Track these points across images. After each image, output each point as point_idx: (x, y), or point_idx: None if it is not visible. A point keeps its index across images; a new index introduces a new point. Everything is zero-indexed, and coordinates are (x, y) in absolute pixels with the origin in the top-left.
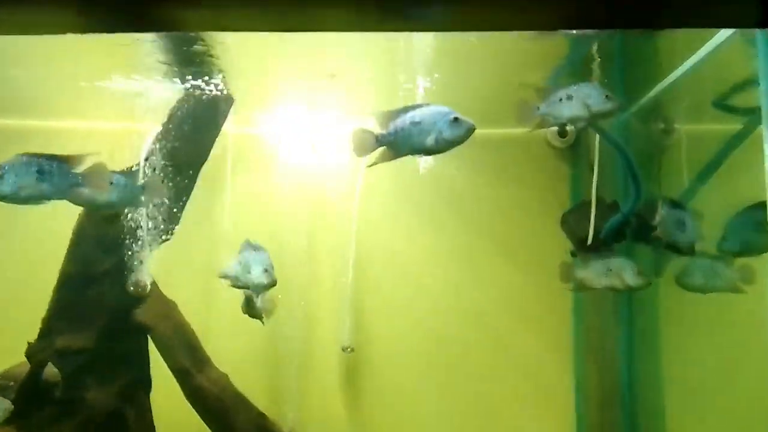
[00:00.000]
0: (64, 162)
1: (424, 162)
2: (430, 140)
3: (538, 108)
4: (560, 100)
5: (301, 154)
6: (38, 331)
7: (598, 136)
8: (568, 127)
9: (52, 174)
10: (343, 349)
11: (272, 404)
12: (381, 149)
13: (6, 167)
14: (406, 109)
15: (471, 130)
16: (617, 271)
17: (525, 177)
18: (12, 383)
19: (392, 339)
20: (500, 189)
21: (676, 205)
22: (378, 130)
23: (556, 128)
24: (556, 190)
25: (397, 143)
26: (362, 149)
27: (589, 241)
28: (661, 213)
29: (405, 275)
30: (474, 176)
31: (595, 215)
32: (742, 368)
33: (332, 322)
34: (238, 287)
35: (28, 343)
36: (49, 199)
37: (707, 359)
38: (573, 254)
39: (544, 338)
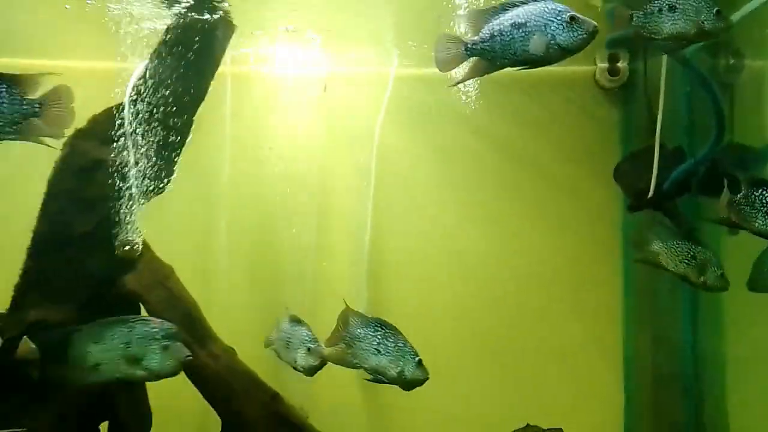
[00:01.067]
0: (15, 85)
1: (454, 106)
2: (538, 47)
3: (632, 17)
4: (660, 10)
5: (311, 95)
6: (10, 301)
7: (663, 69)
8: (621, 64)
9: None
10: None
11: (281, 379)
12: (472, 61)
13: None
14: (504, 7)
15: (593, 34)
16: (701, 264)
17: (569, 122)
18: None
19: (415, 307)
20: (541, 136)
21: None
22: (468, 36)
23: (606, 65)
24: (605, 137)
25: (494, 52)
26: (447, 62)
27: (651, 194)
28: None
29: (431, 235)
30: (510, 122)
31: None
32: None
33: (347, 287)
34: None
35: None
36: None
37: None
38: (630, 209)
39: (588, 306)
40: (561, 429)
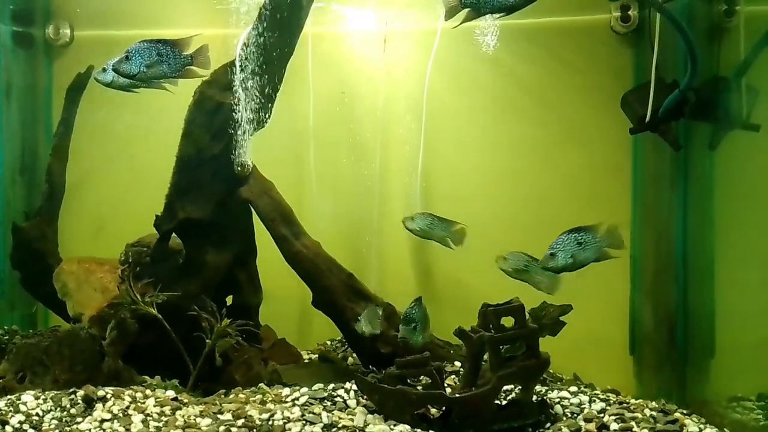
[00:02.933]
0: (176, 45)
1: (490, 51)
2: None
3: None
4: None
5: (373, 48)
6: (163, 205)
7: (659, 15)
8: (631, 12)
9: (168, 56)
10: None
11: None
12: (465, 11)
13: (132, 50)
14: None
15: None
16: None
17: (590, 62)
18: (145, 248)
19: (459, 217)
20: (566, 75)
21: None
22: None
23: (619, 13)
24: (620, 75)
25: (479, 4)
26: (450, 12)
27: (648, 119)
28: None
29: (472, 161)
30: (541, 64)
31: (656, 94)
32: None
33: (405, 200)
34: None
35: (156, 216)
36: (166, 77)
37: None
38: (631, 132)
39: (604, 214)
40: (570, 305)
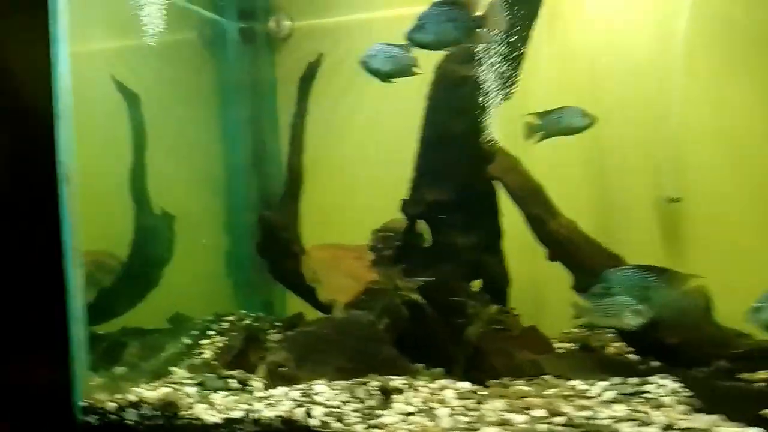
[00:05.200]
0: (465, 7)
1: None
2: None
3: None
4: None
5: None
6: (408, 189)
7: None
8: None
9: (458, 20)
10: (670, 200)
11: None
12: None
13: (424, 18)
14: None
15: None
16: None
17: None
18: (392, 234)
19: (718, 196)
20: None
21: None
22: None
23: None
24: None
25: None
26: None
27: None
28: None
29: (731, 138)
30: None
31: None
32: None
33: (656, 175)
34: None
35: (402, 200)
36: (459, 43)
37: None
38: None
39: None
40: None
